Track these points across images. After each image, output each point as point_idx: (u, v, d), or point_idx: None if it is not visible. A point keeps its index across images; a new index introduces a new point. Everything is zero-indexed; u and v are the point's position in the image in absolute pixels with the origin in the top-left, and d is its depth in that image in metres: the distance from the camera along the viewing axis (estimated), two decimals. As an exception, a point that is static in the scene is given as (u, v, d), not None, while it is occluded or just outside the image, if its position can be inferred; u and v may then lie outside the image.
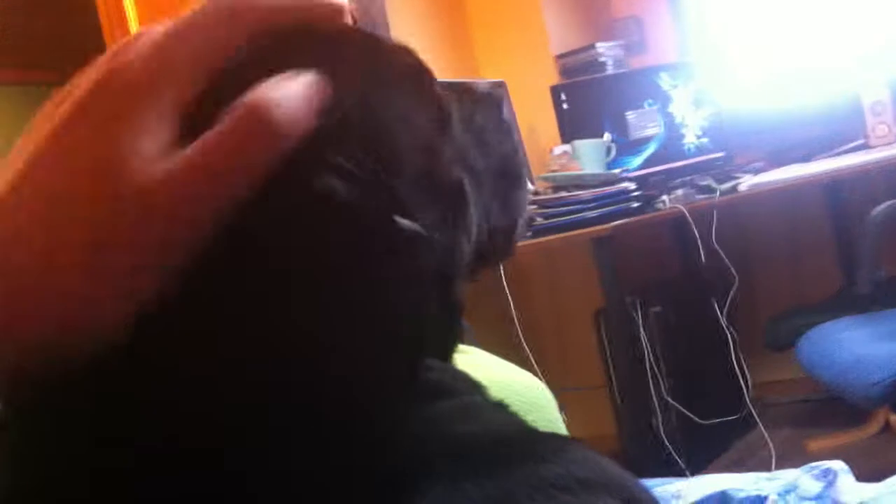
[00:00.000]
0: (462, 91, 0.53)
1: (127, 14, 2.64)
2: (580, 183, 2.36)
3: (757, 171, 2.58)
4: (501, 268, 2.21)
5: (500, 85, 2.80)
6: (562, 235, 2.30)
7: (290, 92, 0.37)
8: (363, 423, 0.42)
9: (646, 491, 0.50)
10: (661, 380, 2.47)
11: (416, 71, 0.48)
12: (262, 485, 0.38)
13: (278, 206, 0.39)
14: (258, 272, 0.39)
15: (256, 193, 0.37)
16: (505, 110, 0.54)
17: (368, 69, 0.45)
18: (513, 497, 0.41)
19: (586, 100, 2.73)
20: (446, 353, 0.52)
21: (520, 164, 0.56)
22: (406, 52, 0.48)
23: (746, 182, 2.47)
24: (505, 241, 0.56)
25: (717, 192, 2.47)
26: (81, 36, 3.19)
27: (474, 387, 0.49)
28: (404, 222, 0.43)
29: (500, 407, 0.49)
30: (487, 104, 0.54)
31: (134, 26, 2.68)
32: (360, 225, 0.41)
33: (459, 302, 0.51)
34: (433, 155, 0.47)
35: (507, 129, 0.54)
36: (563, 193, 2.37)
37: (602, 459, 0.47)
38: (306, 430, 0.40)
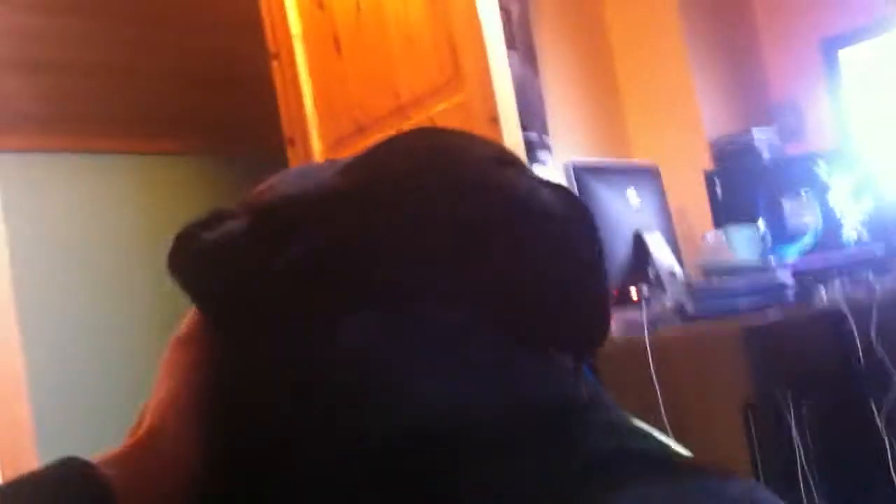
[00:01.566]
0: None
1: (302, 91, 2.76)
2: (734, 271, 2.31)
3: (920, 266, 2.47)
4: (650, 355, 2.18)
5: (653, 168, 2.80)
6: (713, 324, 2.25)
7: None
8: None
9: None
10: (811, 481, 2.37)
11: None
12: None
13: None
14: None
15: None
16: None
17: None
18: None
19: (740, 186, 2.69)
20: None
21: None
22: None
23: (909, 278, 2.37)
24: None
25: (877, 287, 2.38)
26: (253, 113, 3.34)
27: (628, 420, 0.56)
28: (599, 240, 0.61)
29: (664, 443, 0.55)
30: None
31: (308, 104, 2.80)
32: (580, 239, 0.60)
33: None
34: None
35: None
36: (715, 281, 2.32)
37: (774, 496, 0.50)
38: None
